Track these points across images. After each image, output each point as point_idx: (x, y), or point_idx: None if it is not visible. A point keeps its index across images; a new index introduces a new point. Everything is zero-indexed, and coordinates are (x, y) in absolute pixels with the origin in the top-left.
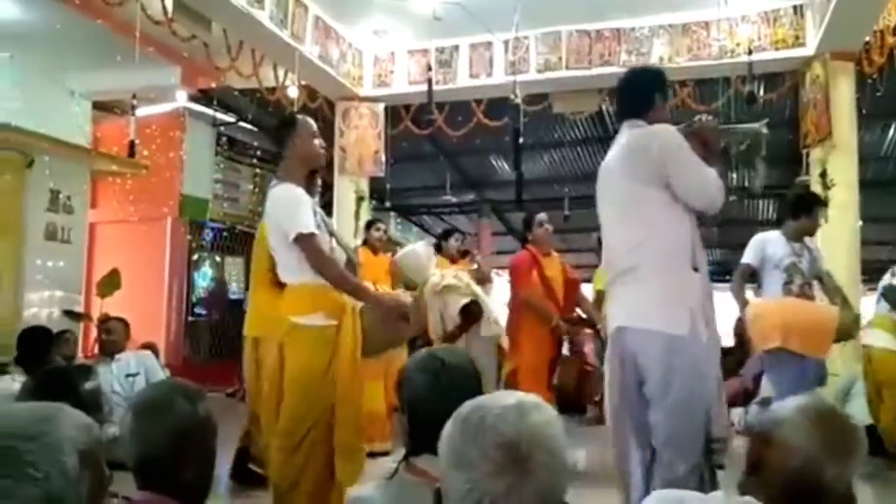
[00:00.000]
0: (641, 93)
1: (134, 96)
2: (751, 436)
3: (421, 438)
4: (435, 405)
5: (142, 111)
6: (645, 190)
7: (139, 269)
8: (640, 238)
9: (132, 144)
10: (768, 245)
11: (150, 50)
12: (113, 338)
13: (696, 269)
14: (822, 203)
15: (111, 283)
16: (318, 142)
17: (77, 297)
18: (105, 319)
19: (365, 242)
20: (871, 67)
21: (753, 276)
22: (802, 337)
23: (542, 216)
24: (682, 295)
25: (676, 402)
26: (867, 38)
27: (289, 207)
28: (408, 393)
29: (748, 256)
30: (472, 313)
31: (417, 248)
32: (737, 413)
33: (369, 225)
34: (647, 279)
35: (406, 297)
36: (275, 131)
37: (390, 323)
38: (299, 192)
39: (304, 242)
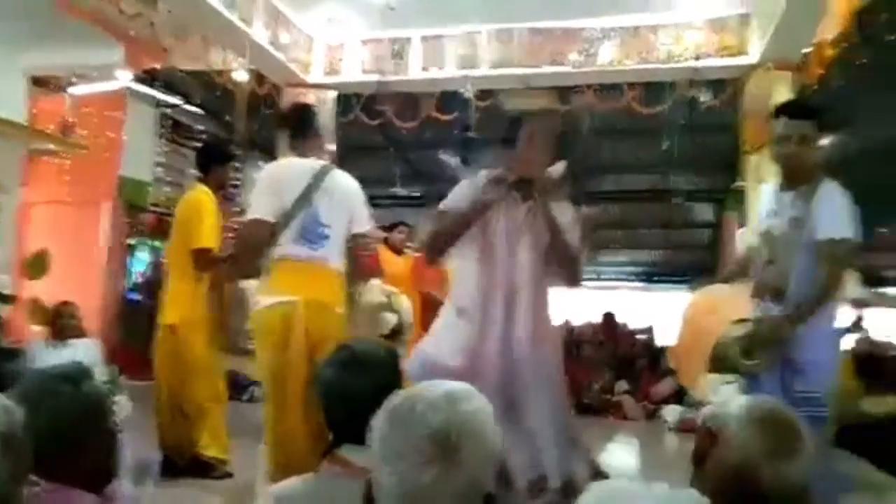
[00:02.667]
0: None
1: (71, 73)
2: (699, 430)
3: (339, 429)
4: (345, 394)
5: (81, 89)
6: None
7: (73, 252)
8: None
9: (67, 123)
10: (761, 210)
11: (93, 25)
12: (73, 322)
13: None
14: (795, 110)
15: (39, 263)
16: None
17: (6, 280)
18: (63, 303)
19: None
20: (809, 78)
21: None
22: (682, 355)
23: (401, 227)
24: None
25: None
26: (807, 50)
27: None
28: (321, 385)
29: None
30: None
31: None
32: (670, 410)
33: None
34: None
35: None
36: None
37: None
38: None
39: None
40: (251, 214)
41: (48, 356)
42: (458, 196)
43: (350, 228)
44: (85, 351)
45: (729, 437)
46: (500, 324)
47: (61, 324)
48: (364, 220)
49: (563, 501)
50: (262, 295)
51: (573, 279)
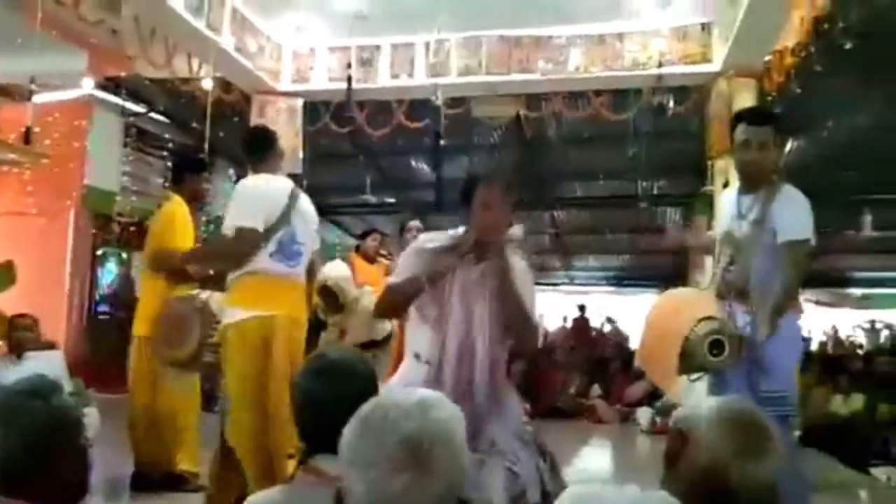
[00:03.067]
0: None
1: (33, 81)
2: (670, 432)
3: (314, 438)
4: (320, 403)
5: (43, 98)
6: None
7: (38, 263)
8: None
9: (28, 131)
10: (720, 214)
11: (54, 33)
12: (29, 335)
13: (425, 362)
14: (754, 117)
15: (5, 275)
16: None
17: None
18: (19, 315)
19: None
20: (770, 85)
21: None
22: (650, 355)
23: (374, 234)
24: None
25: None
26: (768, 58)
27: None
28: (296, 394)
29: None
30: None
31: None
32: (643, 412)
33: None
34: None
35: None
36: None
37: None
38: None
39: None
40: (242, 223)
41: (6, 371)
42: (408, 268)
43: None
44: (46, 364)
45: (699, 437)
46: (456, 378)
47: (17, 336)
48: (317, 241)
49: None
50: (237, 308)
51: (528, 344)
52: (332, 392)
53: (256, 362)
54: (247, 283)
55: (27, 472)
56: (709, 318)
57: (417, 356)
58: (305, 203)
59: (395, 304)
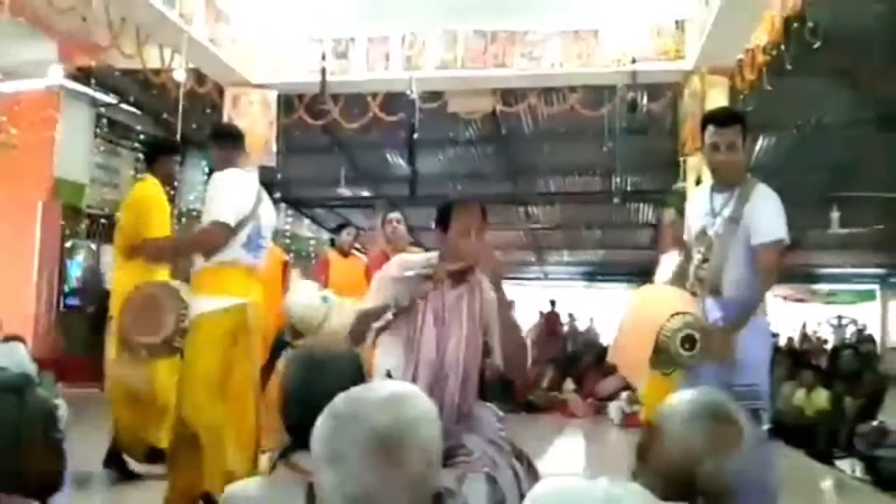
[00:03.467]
0: None
1: (2, 70)
2: (645, 424)
3: (297, 434)
4: (306, 398)
5: (10, 86)
6: None
7: (6, 256)
8: None
9: None
10: (691, 211)
11: (22, 21)
12: None
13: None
14: (723, 118)
15: None
16: None
17: None
18: None
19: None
20: (742, 83)
21: None
22: (623, 350)
23: (349, 228)
24: None
25: None
26: (740, 56)
27: None
28: (283, 389)
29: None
30: None
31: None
32: (614, 406)
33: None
34: None
35: None
36: None
37: None
38: None
39: None
40: (218, 217)
41: None
42: (381, 295)
43: None
44: (7, 355)
45: (671, 430)
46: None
47: None
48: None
49: None
50: (213, 296)
51: (518, 366)
52: (317, 387)
53: (229, 348)
54: (222, 272)
55: (2, 465)
56: (682, 313)
57: (389, 375)
58: (267, 200)
59: (364, 334)
